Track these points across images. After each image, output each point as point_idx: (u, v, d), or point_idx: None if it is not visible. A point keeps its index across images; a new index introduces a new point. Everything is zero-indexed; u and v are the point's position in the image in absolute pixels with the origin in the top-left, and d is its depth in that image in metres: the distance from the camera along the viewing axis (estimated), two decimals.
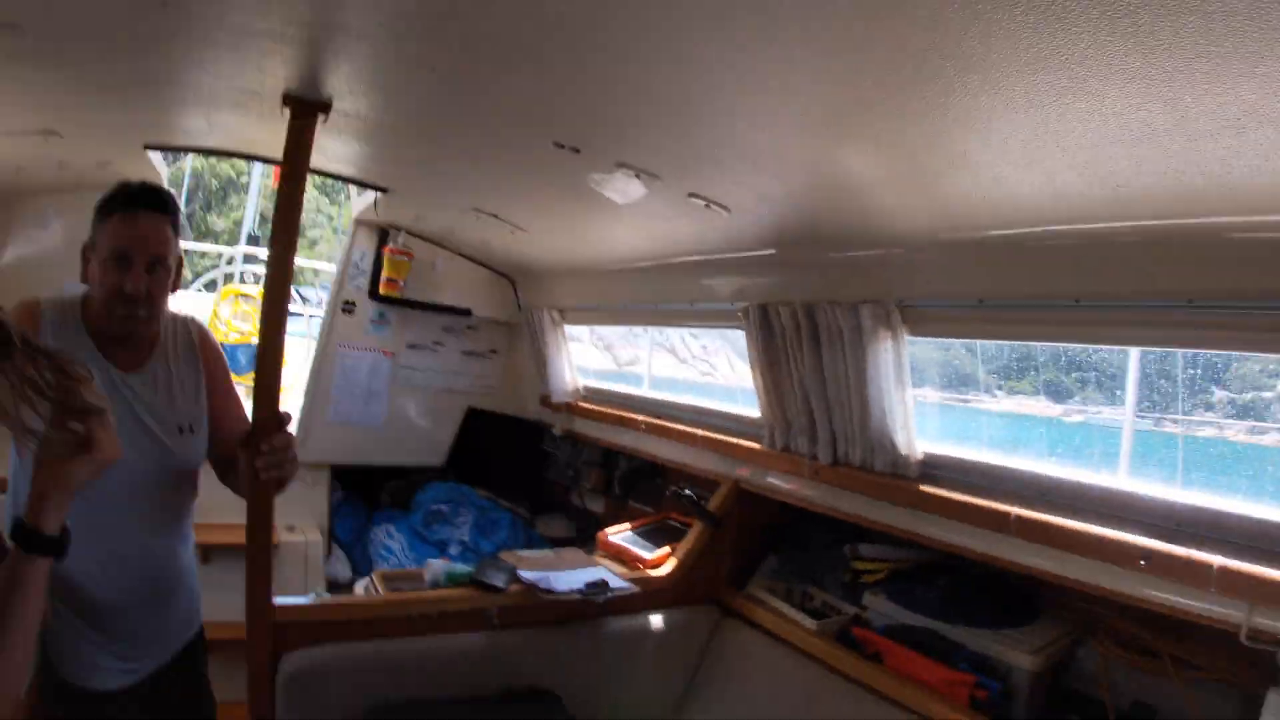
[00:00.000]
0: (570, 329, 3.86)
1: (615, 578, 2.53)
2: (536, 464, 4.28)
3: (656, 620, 2.64)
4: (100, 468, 1.00)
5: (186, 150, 3.14)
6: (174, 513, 1.88)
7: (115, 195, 1.75)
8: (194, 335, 1.95)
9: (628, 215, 2.36)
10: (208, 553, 1.88)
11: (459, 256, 4.03)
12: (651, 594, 2.65)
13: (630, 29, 1.30)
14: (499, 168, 2.43)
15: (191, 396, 1.89)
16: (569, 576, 2.47)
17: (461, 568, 2.50)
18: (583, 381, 3.92)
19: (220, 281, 7.48)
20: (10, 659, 0.98)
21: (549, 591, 2.37)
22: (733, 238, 2.34)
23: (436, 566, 2.52)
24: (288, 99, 1.92)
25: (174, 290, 1.84)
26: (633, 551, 2.88)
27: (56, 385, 0.97)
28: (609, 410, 3.67)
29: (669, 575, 2.74)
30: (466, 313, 4.09)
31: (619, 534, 3.06)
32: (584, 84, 1.60)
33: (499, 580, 2.39)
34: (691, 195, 2.06)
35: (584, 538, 3.68)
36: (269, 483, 1.82)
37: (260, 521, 1.90)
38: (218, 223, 17.55)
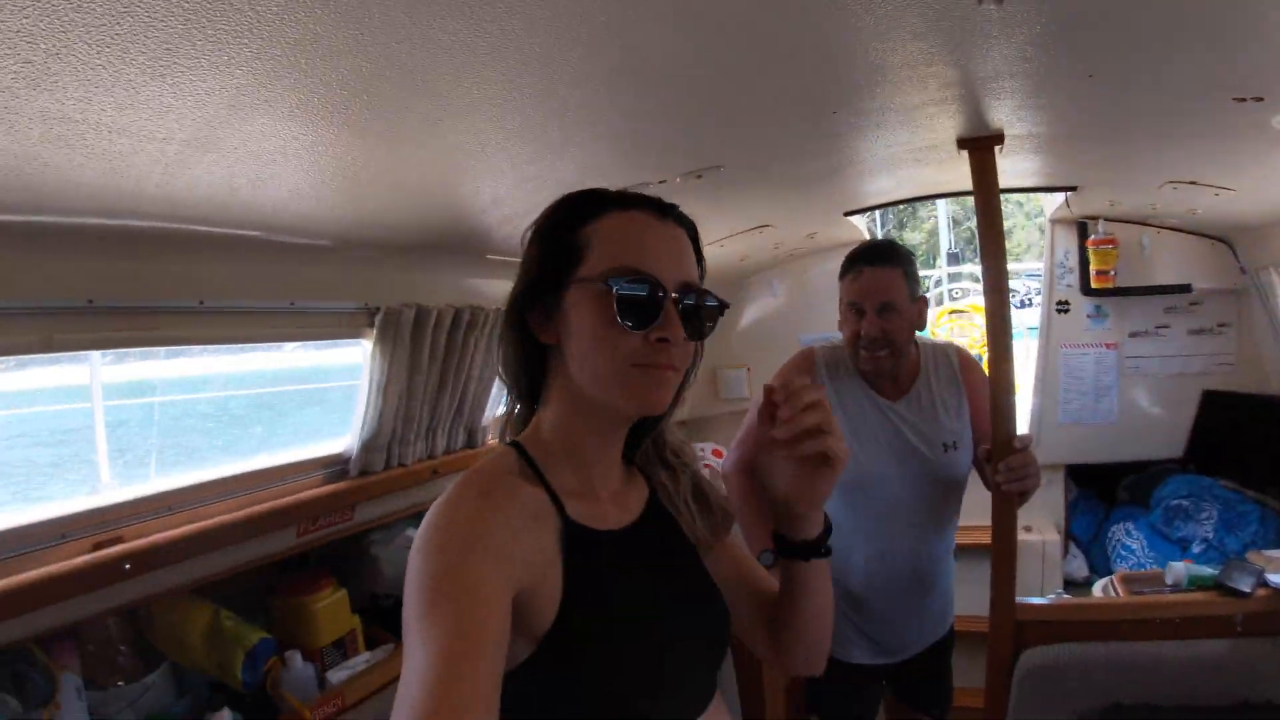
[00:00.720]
0: None
1: None
2: None
3: None
4: (836, 474, 1.00)
5: (880, 207, 3.55)
6: (938, 521, 2.08)
7: (849, 256, 2.05)
8: (954, 360, 2.15)
9: None
10: (955, 552, 2.20)
11: (1165, 230, 3.68)
12: None
13: None
14: (1182, 138, 2.24)
15: (953, 415, 2.08)
16: None
17: (1205, 570, 2.37)
18: None
19: (932, 303, 8.13)
20: (805, 638, 1.14)
21: None
22: None
23: (1178, 569, 2.43)
24: (962, 142, 2.11)
25: (919, 327, 2.07)
26: None
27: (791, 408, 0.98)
28: None
29: None
30: (1186, 288, 3.68)
31: None
32: (1265, 31, 1.44)
33: (1245, 585, 2.20)
34: None
35: None
36: (1011, 500, 2.00)
37: (1005, 527, 2.08)
38: (912, 237, 18.64)
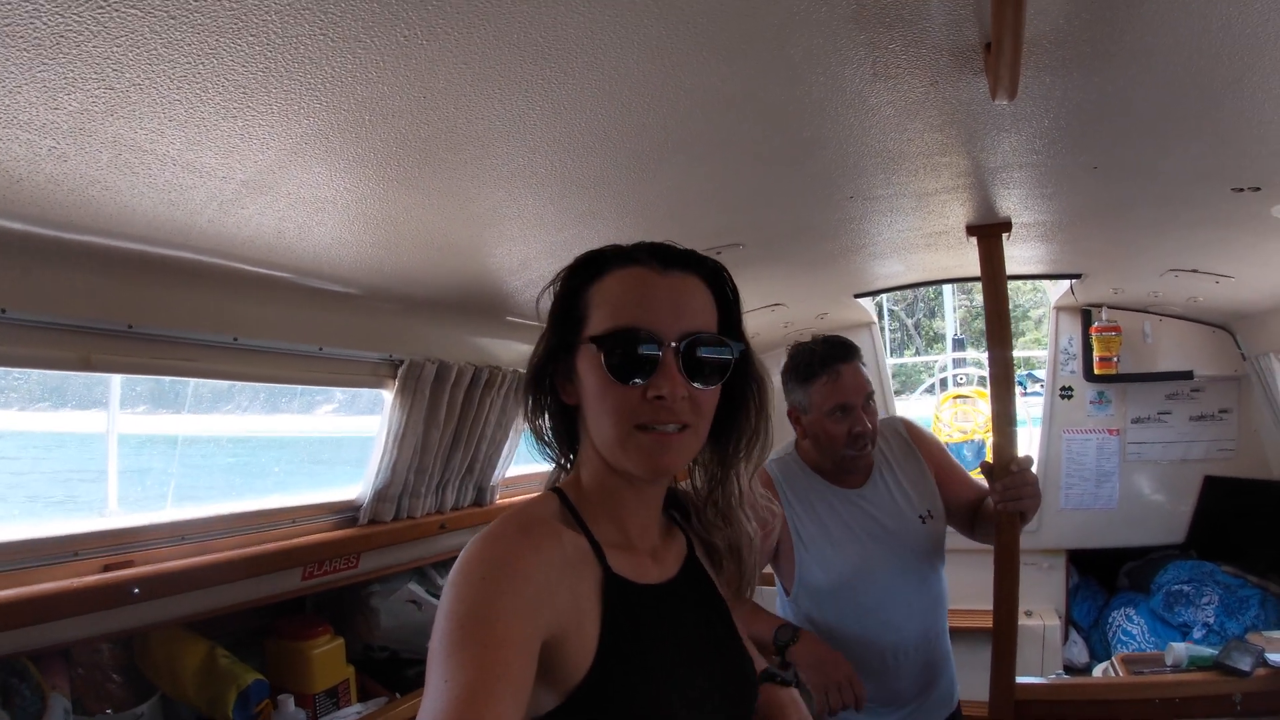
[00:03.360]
0: None
1: None
2: None
3: None
4: None
5: (889, 290, 3.65)
6: (936, 597, 2.03)
7: (808, 362, 1.99)
8: (902, 431, 2.16)
9: None
10: (953, 635, 2.17)
11: (1167, 318, 3.78)
12: None
13: None
14: (1182, 227, 2.32)
15: (920, 487, 2.06)
16: None
17: (1205, 650, 2.38)
18: None
19: (937, 388, 8.14)
20: None
21: None
22: None
23: (1179, 649, 2.44)
24: (971, 229, 2.17)
25: None
26: None
27: None
28: None
29: None
30: (1188, 375, 3.76)
31: None
32: (1260, 124, 1.49)
33: (1244, 664, 2.22)
34: None
35: None
36: (1012, 521, 1.97)
37: (1006, 599, 2.06)
38: (941, 325, 18.81)
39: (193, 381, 1.96)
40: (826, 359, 1.96)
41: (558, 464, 1.05)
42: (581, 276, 0.99)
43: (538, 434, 1.03)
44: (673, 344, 0.93)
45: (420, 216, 1.52)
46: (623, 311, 0.94)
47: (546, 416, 1.02)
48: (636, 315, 0.93)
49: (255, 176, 1.21)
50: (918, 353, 17.58)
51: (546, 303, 1.03)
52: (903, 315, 18.66)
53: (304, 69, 0.96)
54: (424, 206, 1.47)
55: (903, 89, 1.28)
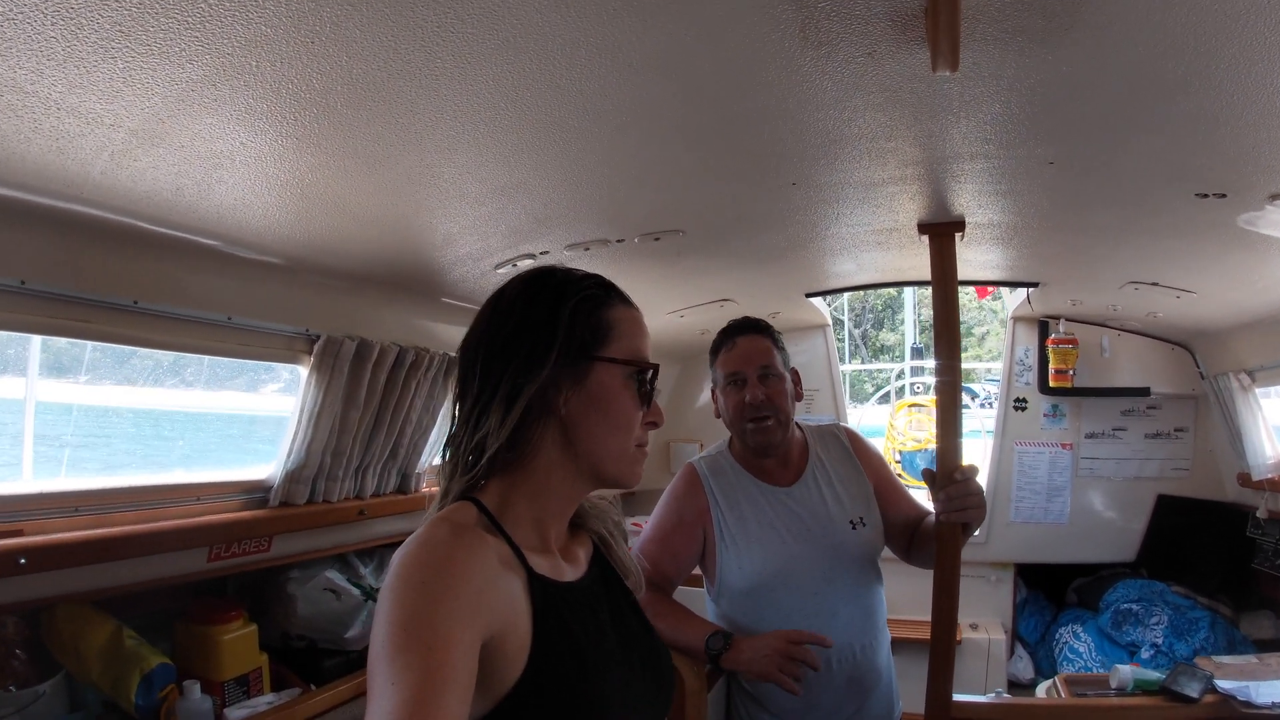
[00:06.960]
0: (1263, 391, 3.15)
1: None
2: (1240, 554, 3.55)
3: None
4: None
5: (842, 290, 3.62)
6: (866, 607, 1.95)
7: (718, 335, 2.06)
8: (843, 438, 2.13)
9: None
10: (894, 646, 2.08)
11: (1126, 333, 3.75)
12: None
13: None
14: (1144, 235, 2.25)
15: (855, 493, 2.01)
16: (1273, 687, 2.12)
17: (1152, 674, 2.32)
18: None
19: (893, 396, 8.12)
20: None
21: (1248, 704, 2.07)
22: None
23: (1125, 672, 2.36)
24: (923, 227, 2.11)
25: (798, 399, 2.03)
26: None
27: None
28: None
29: None
30: (1145, 392, 3.74)
31: None
32: (1227, 124, 1.44)
33: (1192, 690, 2.16)
34: None
35: None
36: (954, 532, 1.87)
37: (945, 614, 1.95)
38: (889, 338, 19.03)
39: (89, 345, 1.89)
40: (729, 332, 2.04)
41: (470, 475, 1.00)
42: (598, 295, 1.04)
43: (520, 428, 0.98)
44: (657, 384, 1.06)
45: (326, 178, 1.45)
46: (642, 347, 1.04)
47: (519, 418, 0.98)
48: (647, 355, 1.05)
49: (144, 125, 1.15)
50: (864, 363, 17.80)
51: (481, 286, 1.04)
52: (849, 326, 18.91)
53: (179, 5, 0.90)
54: (329, 167, 1.40)
55: (838, 59, 1.22)
